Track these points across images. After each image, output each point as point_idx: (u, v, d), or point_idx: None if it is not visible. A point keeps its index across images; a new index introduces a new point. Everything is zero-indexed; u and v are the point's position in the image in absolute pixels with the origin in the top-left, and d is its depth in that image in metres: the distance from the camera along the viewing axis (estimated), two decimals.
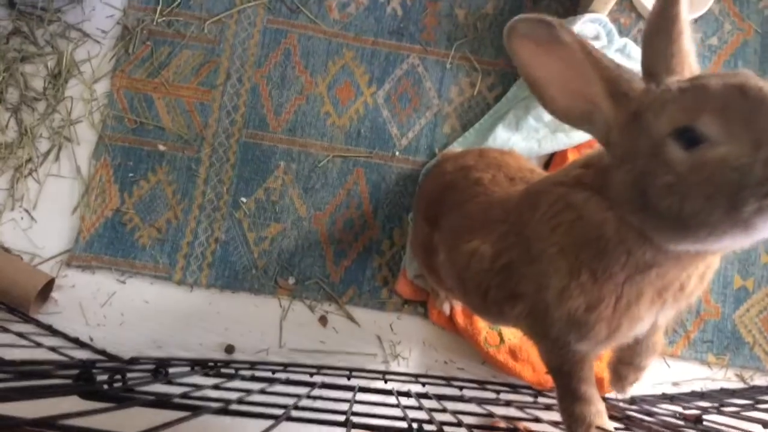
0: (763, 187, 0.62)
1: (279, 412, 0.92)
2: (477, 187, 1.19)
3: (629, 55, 1.78)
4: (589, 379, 1.02)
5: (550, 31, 0.73)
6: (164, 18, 1.83)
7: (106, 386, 0.98)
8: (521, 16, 0.74)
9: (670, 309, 0.89)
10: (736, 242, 0.70)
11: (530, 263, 0.96)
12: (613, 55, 1.74)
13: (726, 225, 0.67)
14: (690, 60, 0.77)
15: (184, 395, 1.01)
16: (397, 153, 1.79)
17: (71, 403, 0.81)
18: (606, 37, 1.76)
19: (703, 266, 0.85)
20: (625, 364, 1.15)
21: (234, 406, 0.93)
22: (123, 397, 0.94)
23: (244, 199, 1.74)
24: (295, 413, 0.95)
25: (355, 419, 0.98)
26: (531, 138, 1.71)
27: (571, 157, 1.70)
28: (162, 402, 0.90)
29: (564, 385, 1.03)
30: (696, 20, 1.89)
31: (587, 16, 1.74)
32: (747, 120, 0.64)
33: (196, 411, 0.84)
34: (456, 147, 1.76)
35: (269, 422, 0.83)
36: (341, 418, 0.96)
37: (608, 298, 0.85)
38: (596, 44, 1.74)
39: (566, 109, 0.79)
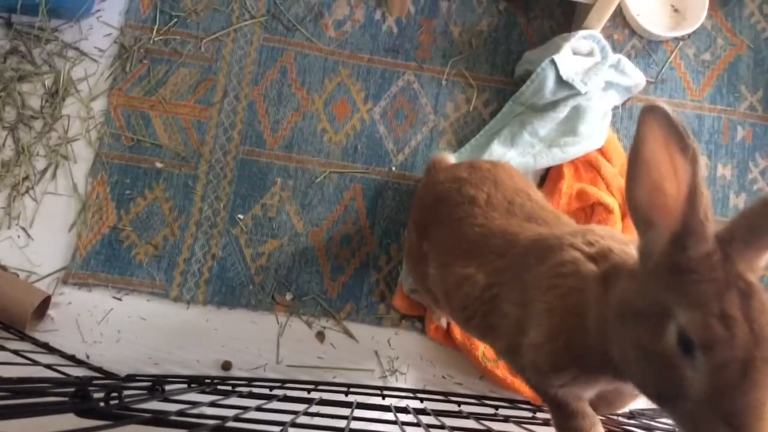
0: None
1: (276, 429, 0.92)
2: (473, 207, 1.19)
3: (623, 71, 1.79)
4: (578, 396, 1.02)
5: (680, 141, 0.68)
6: (161, 37, 1.84)
7: (102, 404, 0.97)
8: (665, 108, 0.68)
9: None
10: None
11: (518, 306, 1.00)
12: (607, 71, 1.76)
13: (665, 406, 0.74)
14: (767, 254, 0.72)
15: (181, 413, 1.00)
16: (393, 169, 1.80)
17: (67, 422, 0.80)
18: (600, 53, 1.77)
19: None
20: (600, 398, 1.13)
21: (231, 423, 0.93)
22: (119, 415, 0.93)
23: (241, 216, 1.74)
24: (292, 430, 0.94)
25: None
26: (527, 153, 1.72)
27: (567, 171, 1.71)
28: (158, 419, 0.89)
29: (553, 406, 1.03)
30: (689, 35, 1.91)
31: (581, 33, 1.75)
32: (734, 398, 0.64)
33: (192, 428, 0.83)
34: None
35: None
36: None
37: (572, 370, 0.91)
38: (590, 60, 1.76)
39: (638, 204, 0.75)
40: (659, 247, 0.73)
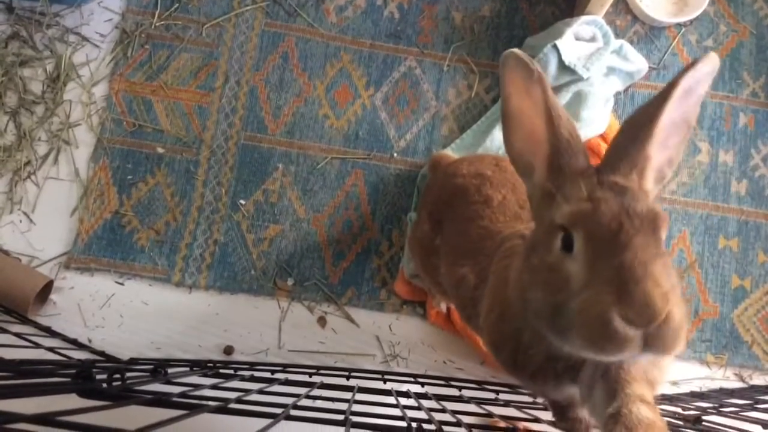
0: (589, 335, 0.63)
1: (278, 411, 0.92)
2: (485, 208, 1.19)
3: (625, 57, 1.79)
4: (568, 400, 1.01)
5: (528, 76, 0.73)
6: (162, 22, 1.84)
7: (105, 385, 0.97)
8: (514, 51, 0.74)
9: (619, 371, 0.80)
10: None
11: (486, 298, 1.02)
12: (610, 56, 1.75)
13: (554, 338, 0.70)
14: (649, 165, 0.73)
15: (183, 394, 1.01)
16: (395, 154, 1.80)
17: (70, 402, 0.81)
18: (602, 38, 1.77)
19: None
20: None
21: (233, 405, 0.93)
22: (122, 396, 0.94)
23: (242, 201, 1.75)
24: (294, 412, 0.95)
25: (354, 418, 0.98)
26: None
27: None
28: (160, 400, 0.90)
29: (548, 401, 1.03)
30: (691, 22, 1.90)
31: (583, 18, 1.75)
32: (606, 263, 0.63)
33: (194, 409, 0.84)
34: (452, 149, 1.76)
35: (268, 421, 0.83)
36: (340, 417, 0.96)
37: (509, 342, 0.87)
38: (593, 46, 1.76)
39: (518, 153, 0.79)
40: (540, 179, 0.76)
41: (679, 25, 1.90)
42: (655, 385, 0.80)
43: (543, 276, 0.71)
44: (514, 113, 0.77)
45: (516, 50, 0.74)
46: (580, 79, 1.69)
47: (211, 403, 0.92)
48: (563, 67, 1.68)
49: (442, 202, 1.31)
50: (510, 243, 1.01)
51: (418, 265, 1.53)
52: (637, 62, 1.80)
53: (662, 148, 0.74)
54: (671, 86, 0.72)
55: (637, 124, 0.73)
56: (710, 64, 0.75)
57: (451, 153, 1.55)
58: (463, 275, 1.15)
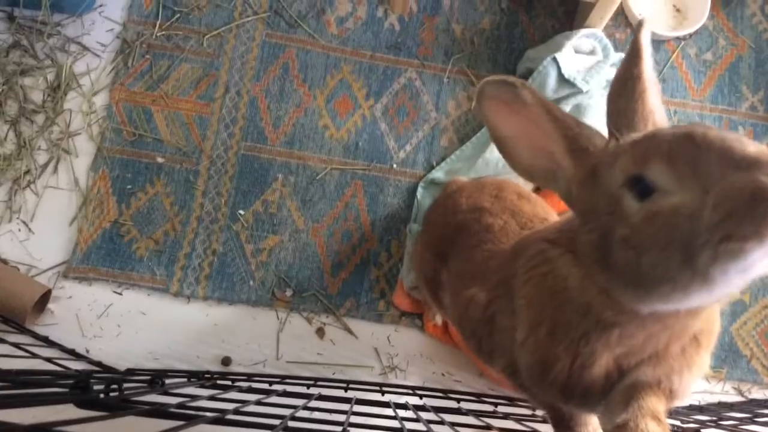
0: (715, 233, 0.57)
1: (276, 422, 0.92)
2: (487, 234, 1.17)
3: None
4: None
5: (513, 90, 0.73)
6: (163, 32, 1.84)
7: (102, 395, 0.97)
8: (488, 78, 0.74)
9: (638, 378, 0.79)
10: (700, 298, 0.63)
11: (510, 315, 0.96)
12: (609, 69, 1.76)
13: (685, 278, 0.61)
14: (655, 117, 0.76)
15: (181, 405, 1.00)
16: (394, 166, 1.80)
17: (67, 413, 0.80)
18: (602, 51, 1.78)
19: (684, 334, 0.78)
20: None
21: (231, 416, 0.93)
22: (119, 406, 0.94)
23: (242, 212, 1.75)
24: (291, 423, 0.94)
25: (352, 430, 0.97)
26: None
27: None
28: (158, 411, 0.90)
29: (553, 419, 1.01)
30: (690, 35, 1.91)
31: (583, 31, 1.76)
32: (695, 166, 0.60)
33: (191, 420, 0.83)
34: (452, 160, 1.76)
35: None
36: (338, 428, 0.96)
37: (564, 359, 0.81)
38: (592, 59, 1.76)
39: (530, 167, 0.79)
40: (569, 172, 0.75)
41: (678, 39, 1.91)
42: (674, 398, 0.79)
43: (642, 237, 0.64)
44: (506, 138, 0.77)
45: (489, 78, 0.74)
46: (579, 91, 1.70)
47: (208, 414, 0.92)
48: (563, 79, 1.69)
49: (446, 239, 1.28)
50: (534, 249, 0.92)
51: (420, 284, 1.51)
52: None
53: (656, 104, 0.77)
54: (637, 43, 0.78)
55: (628, 84, 0.76)
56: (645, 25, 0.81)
57: (464, 179, 1.50)
58: (471, 295, 1.09)
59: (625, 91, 0.77)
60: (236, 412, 0.98)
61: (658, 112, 0.77)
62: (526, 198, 1.25)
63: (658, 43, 1.91)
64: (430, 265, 1.34)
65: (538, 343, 0.86)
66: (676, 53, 1.91)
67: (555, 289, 0.84)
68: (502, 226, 1.17)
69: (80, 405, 0.89)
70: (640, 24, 0.80)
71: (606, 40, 1.78)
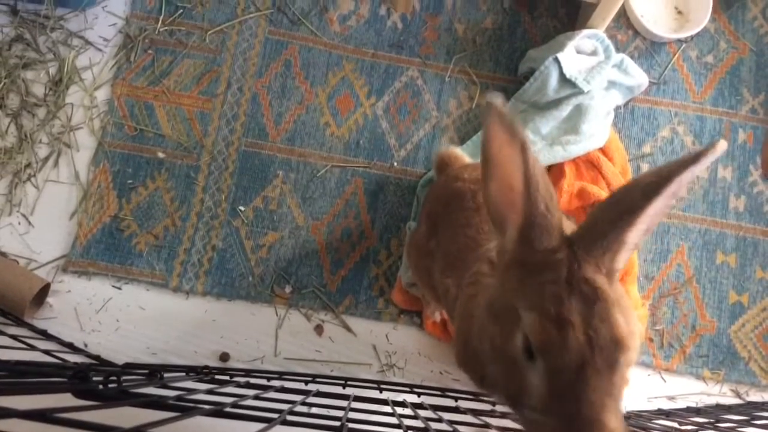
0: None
1: (274, 416, 0.91)
2: (475, 215, 1.19)
3: (626, 71, 1.80)
4: None
5: (512, 132, 0.69)
6: (166, 27, 1.84)
7: (101, 386, 0.97)
8: (498, 103, 0.70)
9: None
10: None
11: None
12: (611, 70, 1.76)
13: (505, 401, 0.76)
14: (622, 253, 0.71)
15: (179, 398, 1.00)
16: (395, 164, 1.80)
17: (65, 403, 0.80)
18: (603, 52, 1.78)
19: None
20: None
21: (228, 409, 0.93)
22: (118, 397, 0.93)
23: (242, 208, 1.75)
24: (290, 417, 0.94)
25: (351, 425, 0.97)
26: None
27: (568, 170, 1.71)
28: (156, 402, 0.89)
29: None
30: (692, 38, 1.91)
31: (585, 32, 1.76)
32: (566, 403, 0.65)
33: (189, 411, 0.83)
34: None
35: (263, 425, 0.83)
36: (336, 423, 0.96)
37: (474, 371, 0.93)
38: (594, 59, 1.77)
39: (493, 203, 0.76)
40: (510, 244, 0.74)
41: (679, 41, 1.92)
42: None
43: (502, 362, 0.73)
44: (494, 160, 0.73)
45: (499, 103, 0.70)
46: (580, 92, 1.70)
47: (206, 406, 0.92)
48: (564, 80, 1.69)
49: (441, 203, 1.31)
50: (476, 266, 1.00)
51: (411, 266, 1.53)
52: (638, 77, 1.81)
53: (641, 231, 0.71)
54: (666, 180, 0.68)
55: (621, 208, 0.70)
56: (717, 153, 0.70)
57: (461, 153, 1.54)
58: (447, 287, 1.17)
59: (615, 208, 0.71)
60: (234, 405, 0.98)
61: (631, 241, 0.71)
62: None
63: (659, 45, 1.92)
64: (422, 228, 1.38)
65: (458, 347, 0.99)
66: (677, 55, 1.91)
67: (471, 314, 0.91)
68: None
69: (79, 395, 0.89)
70: (687, 160, 0.69)
71: (608, 41, 1.78)
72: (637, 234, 0.70)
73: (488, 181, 0.75)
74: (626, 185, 0.72)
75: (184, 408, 0.90)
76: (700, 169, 0.69)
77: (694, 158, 0.68)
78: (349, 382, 1.48)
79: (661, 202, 0.69)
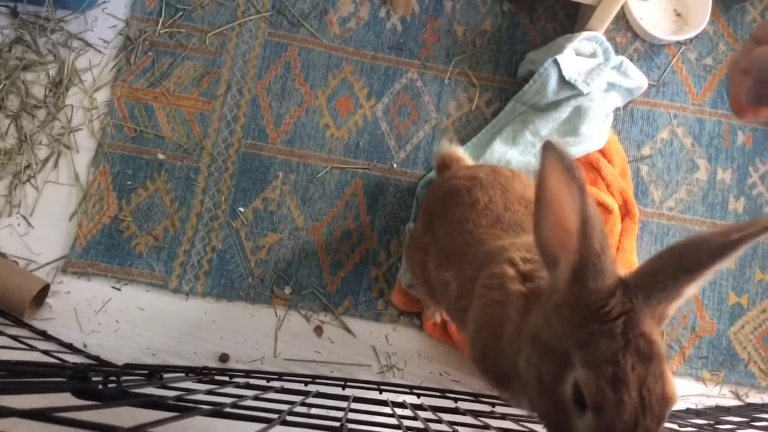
0: None
1: (274, 416, 0.91)
2: (471, 211, 1.20)
3: (625, 73, 1.80)
4: None
5: (570, 174, 0.68)
6: (166, 29, 1.85)
7: (100, 386, 0.97)
8: (557, 145, 0.69)
9: None
10: None
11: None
12: (610, 72, 1.77)
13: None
14: (677, 303, 0.72)
15: (179, 398, 1.00)
16: (394, 165, 1.81)
17: (65, 403, 0.80)
18: (603, 54, 1.78)
19: None
20: None
21: (228, 410, 0.93)
22: (117, 397, 0.93)
23: (242, 209, 1.75)
24: (289, 418, 0.94)
25: (351, 426, 0.97)
26: (528, 152, 1.72)
27: None
28: (155, 402, 0.89)
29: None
30: (691, 40, 1.92)
31: (584, 34, 1.76)
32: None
33: (188, 411, 0.83)
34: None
35: (263, 426, 0.83)
36: (336, 424, 0.96)
37: (491, 373, 0.97)
38: (593, 61, 1.77)
39: (545, 240, 0.76)
40: (563, 284, 0.74)
41: (678, 43, 1.92)
42: None
43: (548, 397, 0.75)
44: (549, 200, 0.73)
45: (558, 145, 0.69)
46: (580, 94, 1.70)
47: (205, 407, 0.92)
48: (563, 81, 1.69)
49: (437, 201, 1.33)
50: (497, 268, 0.99)
51: (407, 261, 1.53)
52: (637, 78, 1.81)
53: (699, 286, 0.72)
54: (735, 244, 0.69)
55: (686, 262, 0.70)
56: None
57: (463, 153, 1.54)
58: (446, 281, 1.17)
59: (679, 260, 0.70)
60: (234, 405, 0.98)
61: (686, 295, 0.72)
62: (518, 177, 1.28)
63: (658, 47, 1.92)
64: (419, 224, 1.40)
65: (475, 351, 0.99)
66: (676, 57, 1.91)
67: (497, 322, 0.92)
68: (486, 203, 1.19)
69: (78, 395, 0.89)
70: (755, 230, 0.70)
71: (607, 44, 1.78)
72: (695, 288, 0.71)
73: (542, 219, 0.75)
74: (691, 241, 0.71)
75: (184, 408, 0.90)
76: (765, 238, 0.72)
77: (763, 229, 0.69)
78: (348, 383, 1.48)
79: (725, 264, 0.70)
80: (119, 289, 1.68)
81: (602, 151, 1.75)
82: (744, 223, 0.70)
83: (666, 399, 0.66)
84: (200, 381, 1.36)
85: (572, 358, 0.70)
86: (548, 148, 0.70)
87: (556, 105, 1.73)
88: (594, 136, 1.72)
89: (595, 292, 0.70)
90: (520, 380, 0.84)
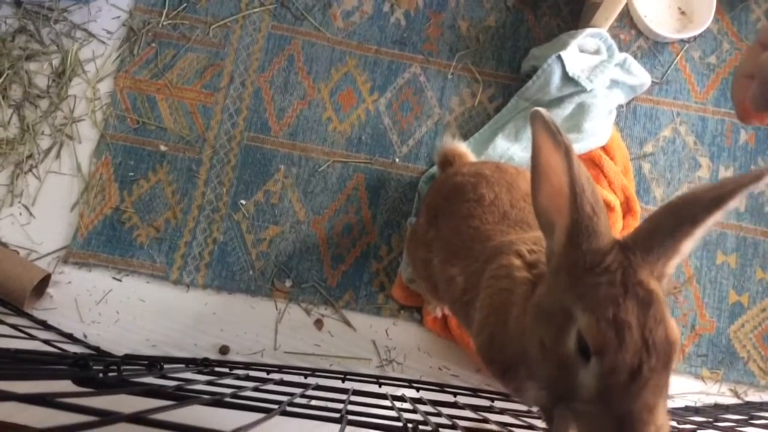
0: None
1: (274, 407, 0.92)
2: (477, 207, 1.20)
3: (629, 70, 1.80)
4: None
5: (556, 139, 0.70)
6: (170, 21, 1.85)
7: (101, 375, 0.97)
8: (542, 113, 0.71)
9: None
10: None
11: (475, 308, 1.06)
12: (613, 69, 1.76)
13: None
14: (675, 259, 0.73)
15: (179, 388, 1.00)
16: (397, 160, 1.80)
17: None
18: (606, 51, 1.78)
19: None
20: None
21: (228, 399, 0.93)
22: (117, 385, 0.93)
23: (243, 201, 1.75)
24: (290, 408, 0.94)
25: (351, 417, 0.97)
26: (530, 149, 1.72)
27: None
28: (155, 391, 0.90)
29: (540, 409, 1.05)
30: (695, 38, 1.92)
31: (588, 31, 1.76)
32: (620, 403, 0.67)
33: (189, 400, 0.83)
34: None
35: (263, 416, 0.83)
36: (336, 415, 0.96)
37: (498, 363, 0.97)
38: (597, 58, 1.77)
39: (542, 208, 0.77)
40: (558, 248, 0.75)
41: (682, 41, 1.92)
42: None
43: (551, 361, 0.74)
44: (543, 167, 0.74)
45: (543, 113, 0.71)
46: (583, 90, 1.70)
47: (205, 396, 0.92)
48: (567, 78, 1.69)
49: (441, 196, 1.33)
50: (504, 260, 1.00)
51: (409, 257, 1.54)
52: (641, 76, 1.81)
53: (696, 241, 0.73)
54: (729, 194, 0.69)
55: (681, 216, 0.71)
56: None
57: (465, 149, 1.54)
58: (452, 276, 1.18)
59: (675, 215, 0.71)
60: (234, 396, 0.98)
61: (684, 250, 0.72)
62: (522, 174, 1.29)
63: (662, 45, 1.92)
64: (422, 220, 1.40)
65: (481, 342, 1.00)
66: (680, 55, 1.91)
67: (503, 308, 0.93)
68: (492, 199, 1.20)
69: (79, 383, 0.89)
70: (747, 179, 0.70)
71: (611, 41, 1.78)
72: (692, 243, 0.72)
73: (538, 188, 0.76)
74: (686, 196, 0.72)
75: (184, 397, 0.90)
76: (760, 187, 0.71)
77: (756, 176, 0.70)
78: (348, 377, 1.48)
79: (719, 215, 0.70)
80: (120, 280, 1.69)
81: (605, 148, 1.75)
82: (739, 175, 0.71)
83: (670, 342, 0.67)
84: (200, 372, 1.36)
85: (573, 312, 0.70)
86: (535, 117, 0.72)
87: (559, 101, 1.73)
88: (597, 132, 1.71)
89: (590, 252, 0.71)
90: (525, 362, 0.85)
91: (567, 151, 0.70)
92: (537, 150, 0.74)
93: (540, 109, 0.72)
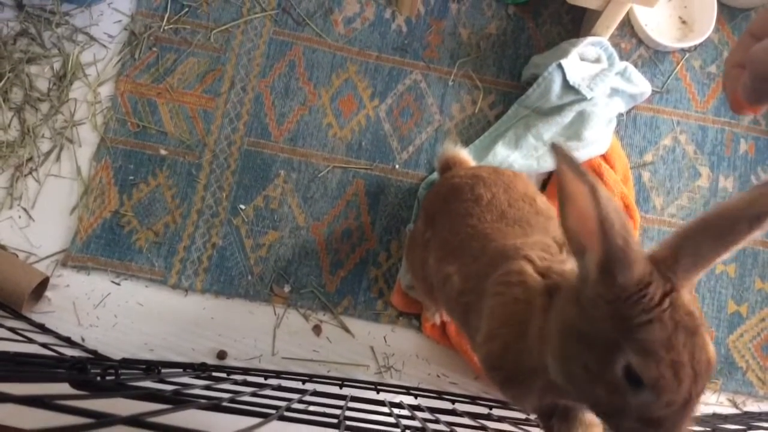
0: None
1: (272, 412, 0.91)
2: (475, 206, 1.20)
3: (629, 79, 1.80)
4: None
5: (580, 175, 0.68)
6: (171, 25, 1.85)
7: (98, 378, 0.97)
8: (564, 149, 0.69)
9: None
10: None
11: (478, 314, 1.04)
12: (614, 77, 1.77)
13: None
14: (708, 267, 0.72)
15: (176, 392, 1.00)
16: (397, 166, 1.81)
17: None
18: (607, 60, 1.79)
19: None
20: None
21: (226, 404, 0.92)
22: (115, 389, 0.93)
23: (242, 206, 1.75)
24: (287, 413, 0.94)
25: (348, 423, 0.97)
26: (530, 156, 1.72)
27: None
28: (153, 395, 0.89)
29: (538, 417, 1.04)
30: (695, 47, 1.92)
31: (589, 40, 1.77)
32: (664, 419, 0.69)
33: (186, 404, 0.83)
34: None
35: (260, 420, 0.83)
36: (334, 420, 0.96)
37: (507, 371, 0.96)
38: (597, 67, 1.77)
39: (572, 231, 0.75)
40: (593, 274, 0.73)
41: (683, 51, 1.92)
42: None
43: (596, 381, 0.74)
44: (569, 194, 0.72)
45: (564, 147, 0.69)
46: (583, 98, 1.70)
47: (202, 400, 0.91)
48: (567, 86, 1.70)
49: (439, 199, 1.33)
50: (515, 265, 0.98)
51: (406, 259, 1.54)
52: (641, 85, 1.81)
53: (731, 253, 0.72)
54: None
55: (724, 235, 0.69)
56: None
57: (467, 156, 1.54)
58: (448, 274, 1.16)
59: (712, 230, 0.70)
60: (232, 401, 0.98)
61: (708, 268, 0.72)
62: (520, 177, 1.30)
63: (662, 54, 1.92)
64: (419, 222, 1.40)
65: (489, 351, 0.98)
66: (680, 65, 1.92)
67: (519, 319, 0.92)
68: (489, 199, 1.20)
69: (76, 385, 0.89)
70: None
71: (611, 49, 1.78)
72: (727, 256, 0.72)
73: (565, 210, 0.74)
74: (722, 212, 0.71)
75: (181, 401, 0.89)
76: None
77: None
78: (346, 383, 1.48)
79: (764, 230, 0.70)
80: (118, 284, 1.68)
81: (604, 157, 1.75)
82: None
83: (710, 363, 0.69)
84: (198, 377, 1.36)
85: (621, 346, 0.70)
86: (556, 151, 0.70)
87: (559, 109, 1.73)
88: (597, 141, 1.71)
89: (628, 284, 0.70)
90: (538, 373, 0.85)
91: (593, 191, 0.67)
92: (562, 177, 0.71)
93: (559, 142, 0.70)
